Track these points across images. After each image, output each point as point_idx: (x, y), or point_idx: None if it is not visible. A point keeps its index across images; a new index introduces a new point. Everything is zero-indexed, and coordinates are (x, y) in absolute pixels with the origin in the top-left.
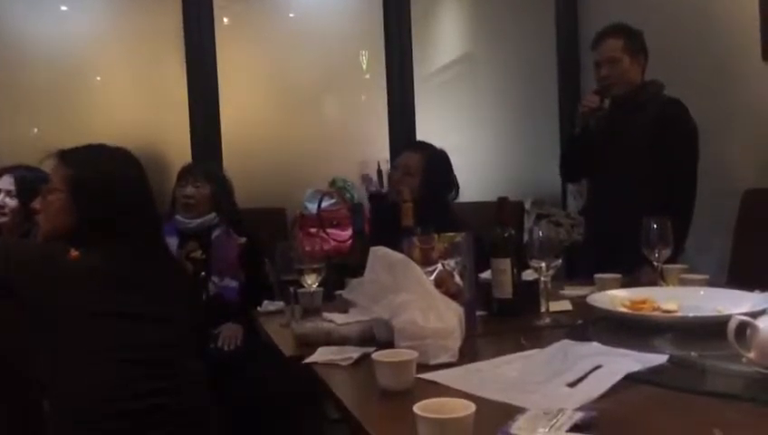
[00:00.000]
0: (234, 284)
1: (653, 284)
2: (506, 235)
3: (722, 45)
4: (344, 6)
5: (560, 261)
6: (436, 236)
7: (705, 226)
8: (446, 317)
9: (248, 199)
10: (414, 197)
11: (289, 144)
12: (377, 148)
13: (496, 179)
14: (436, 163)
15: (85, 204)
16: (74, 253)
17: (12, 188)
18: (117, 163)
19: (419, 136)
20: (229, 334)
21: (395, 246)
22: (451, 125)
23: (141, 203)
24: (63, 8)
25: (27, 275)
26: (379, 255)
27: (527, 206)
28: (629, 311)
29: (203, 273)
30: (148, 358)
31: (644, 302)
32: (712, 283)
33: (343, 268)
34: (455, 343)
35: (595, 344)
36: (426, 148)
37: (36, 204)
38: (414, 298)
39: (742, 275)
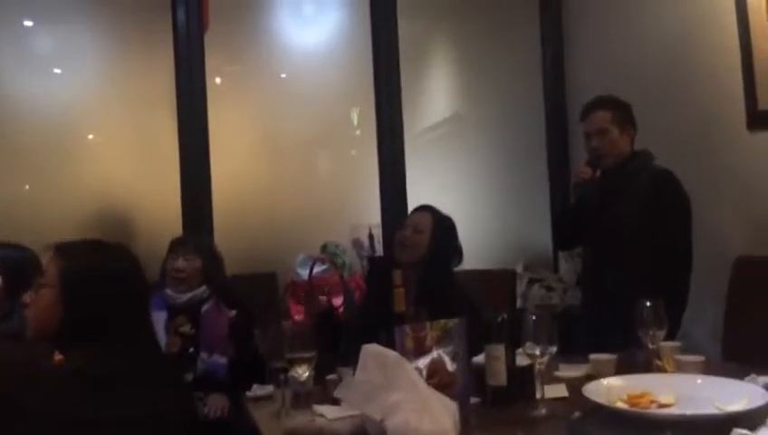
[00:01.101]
0: (223, 360)
1: (649, 362)
2: (499, 319)
3: (708, 115)
4: (335, 66)
5: (555, 348)
6: (428, 323)
7: (697, 293)
8: (440, 419)
9: (239, 263)
10: (421, 257)
11: (280, 205)
12: (368, 211)
13: (487, 241)
14: (445, 225)
15: (74, 300)
16: (58, 357)
17: None
18: (111, 259)
19: (409, 192)
20: (216, 403)
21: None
22: (441, 183)
23: (134, 302)
24: (57, 71)
25: (7, 378)
26: (372, 352)
27: (519, 269)
28: (627, 407)
29: (191, 349)
30: None
31: (641, 396)
32: (707, 354)
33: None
34: None
35: None
36: (434, 210)
37: (27, 298)
38: (407, 398)
39: (736, 345)
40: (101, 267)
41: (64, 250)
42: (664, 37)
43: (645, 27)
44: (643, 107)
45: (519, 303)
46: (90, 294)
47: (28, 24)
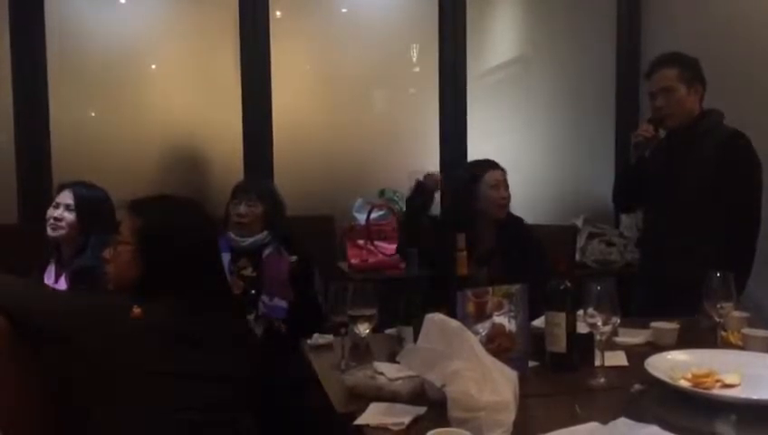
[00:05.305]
0: (283, 303)
1: (712, 333)
2: (562, 287)
3: None
4: (398, 1)
5: (617, 319)
6: (490, 289)
7: (763, 259)
8: (501, 390)
9: (297, 203)
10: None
11: (339, 145)
12: (427, 157)
13: (547, 191)
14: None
15: (151, 256)
16: (137, 310)
17: (71, 202)
18: (185, 216)
19: (468, 135)
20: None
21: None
22: (501, 127)
23: (207, 256)
24: (122, 1)
25: (88, 330)
26: (434, 321)
27: (579, 223)
28: (690, 387)
29: (253, 291)
30: (206, 418)
31: (707, 375)
32: None
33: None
34: (509, 416)
35: (655, 430)
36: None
37: (106, 254)
38: (468, 367)
39: None
40: (174, 223)
41: (138, 207)
42: None
43: None
44: (718, 63)
45: (577, 256)
46: (165, 250)
47: None
